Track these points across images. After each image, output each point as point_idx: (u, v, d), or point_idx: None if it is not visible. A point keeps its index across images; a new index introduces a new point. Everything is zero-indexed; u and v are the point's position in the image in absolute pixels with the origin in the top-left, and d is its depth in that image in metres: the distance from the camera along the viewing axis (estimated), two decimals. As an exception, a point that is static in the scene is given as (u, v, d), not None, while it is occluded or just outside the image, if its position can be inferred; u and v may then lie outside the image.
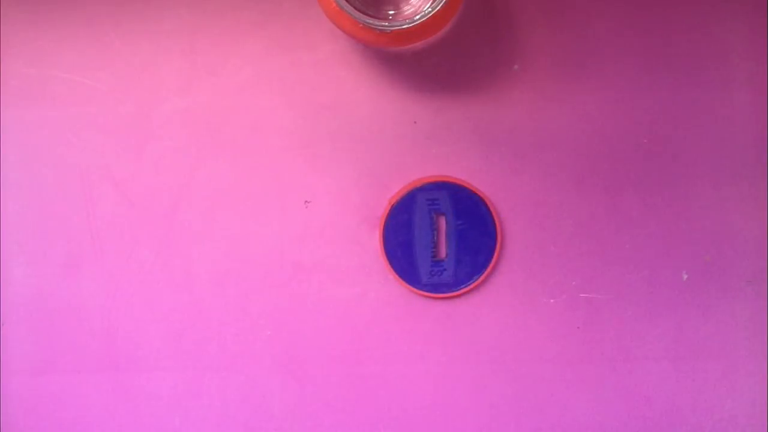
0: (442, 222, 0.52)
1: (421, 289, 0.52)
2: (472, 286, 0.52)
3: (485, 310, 0.53)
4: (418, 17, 0.42)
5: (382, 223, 0.52)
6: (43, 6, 0.53)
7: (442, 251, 0.52)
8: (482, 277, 0.52)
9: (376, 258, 0.53)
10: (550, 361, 0.53)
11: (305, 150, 0.53)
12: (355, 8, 0.42)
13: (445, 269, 0.52)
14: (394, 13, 0.46)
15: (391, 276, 0.52)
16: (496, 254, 0.52)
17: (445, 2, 0.42)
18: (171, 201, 0.53)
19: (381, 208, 0.53)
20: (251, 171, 0.53)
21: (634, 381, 0.53)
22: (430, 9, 0.42)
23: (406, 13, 0.45)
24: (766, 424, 0.52)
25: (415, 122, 0.53)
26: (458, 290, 0.52)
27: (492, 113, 0.53)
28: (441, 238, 0.52)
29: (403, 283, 0.52)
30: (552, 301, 0.53)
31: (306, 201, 0.53)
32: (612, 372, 0.53)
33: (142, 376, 0.53)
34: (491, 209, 0.52)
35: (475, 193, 0.52)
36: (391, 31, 0.43)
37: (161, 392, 0.53)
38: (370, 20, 0.42)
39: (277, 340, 0.53)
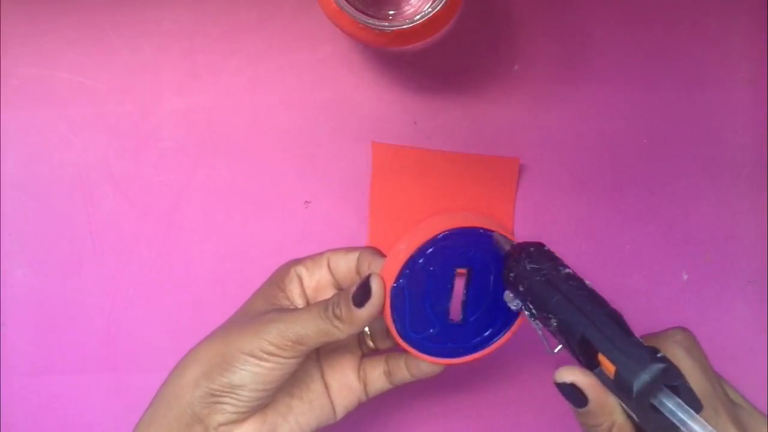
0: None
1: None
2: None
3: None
4: (418, 17, 0.42)
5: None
6: (44, 6, 0.53)
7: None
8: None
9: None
10: (550, 360, 0.52)
11: (305, 150, 0.53)
12: (355, 8, 0.42)
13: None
14: (394, 13, 0.46)
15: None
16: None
17: (445, 2, 0.42)
18: (171, 201, 0.53)
19: (381, 208, 0.53)
20: (251, 171, 0.53)
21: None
22: (430, 9, 0.42)
23: (406, 13, 0.45)
24: (767, 424, 0.52)
25: (415, 122, 0.53)
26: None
27: (492, 113, 0.53)
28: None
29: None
30: (552, 301, 0.53)
31: (306, 201, 0.53)
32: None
33: (142, 376, 0.53)
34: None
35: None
36: (391, 31, 0.43)
37: (161, 392, 0.53)
38: (370, 20, 0.42)
39: (277, 340, 0.53)
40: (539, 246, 0.41)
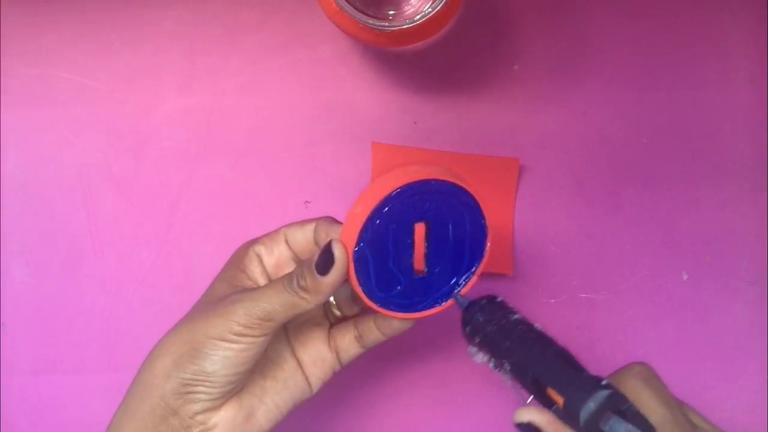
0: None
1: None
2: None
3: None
4: (418, 17, 0.42)
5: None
6: (43, 6, 0.53)
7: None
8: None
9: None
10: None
11: (305, 150, 0.53)
12: (355, 8, 0.42)
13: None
14: (394, 13, 0.46)
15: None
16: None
17: (445, 2, 0.42)
18: (171, 201, 0.53)
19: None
20: (251, 171, 0.53)
21: (634, 381, 0.53)
22: (430, 9, 0.42)
23: (406, 13, 0.46)
24: (767, 424, 0.52)
25: (415, 122, 0.53)
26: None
27: (492, 113, 0.53)
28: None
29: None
30: (552, 301, 0.53)
31: (306, 201, 0.53)
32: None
33: (142, 376, 0.53)
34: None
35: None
36: (391, 31, 0.43)
37: (161, 392, 0.53)
38: (370, 20, 0.42)
39: (277, 340, 0.53)
40: (490, 298, 0.42)
